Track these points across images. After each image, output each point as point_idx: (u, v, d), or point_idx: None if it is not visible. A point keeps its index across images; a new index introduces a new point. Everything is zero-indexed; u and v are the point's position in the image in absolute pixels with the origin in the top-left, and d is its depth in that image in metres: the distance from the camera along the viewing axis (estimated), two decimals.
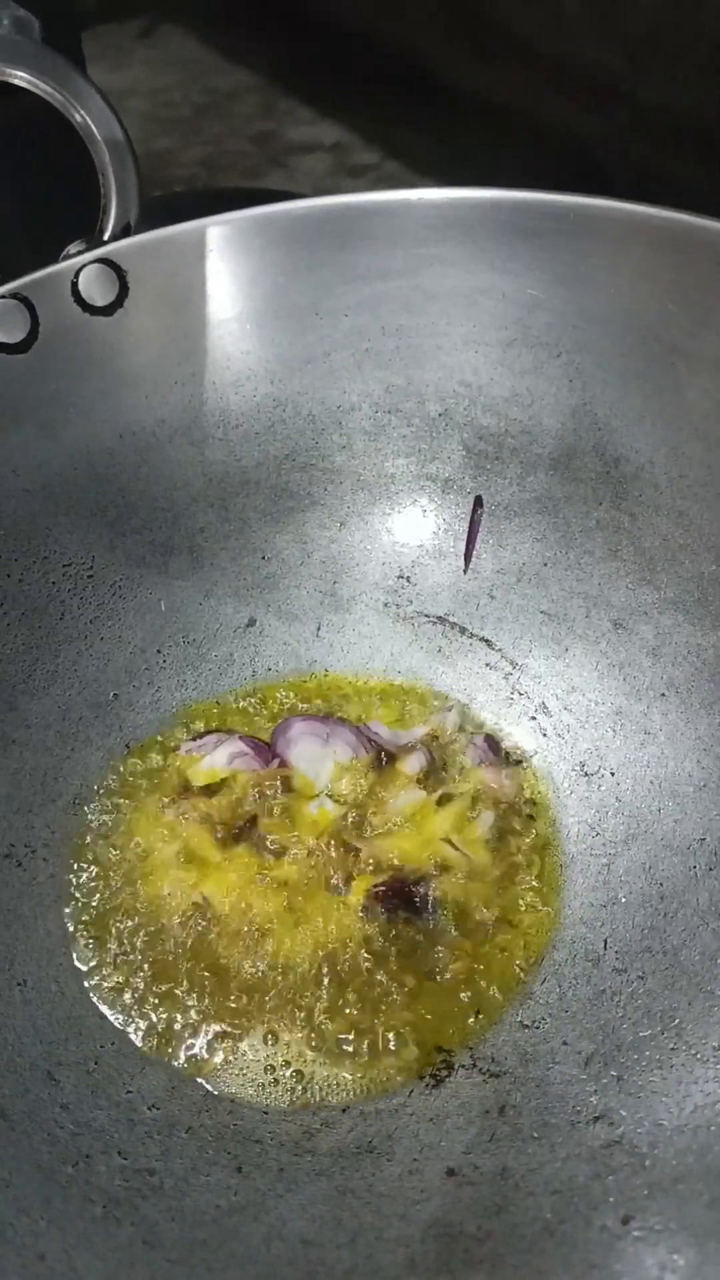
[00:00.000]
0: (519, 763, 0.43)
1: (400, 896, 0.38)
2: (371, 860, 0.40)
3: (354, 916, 0.38)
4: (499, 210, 0.42)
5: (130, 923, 0.39)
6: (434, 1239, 0.29)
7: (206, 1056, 0.36)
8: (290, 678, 0.46)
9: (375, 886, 0.39)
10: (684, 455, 0.41)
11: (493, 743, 0.43)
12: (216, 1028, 0.36)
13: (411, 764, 0.42)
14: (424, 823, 0.41)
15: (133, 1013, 0.37)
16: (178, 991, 0.37)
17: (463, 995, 0.37)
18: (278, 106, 0.98)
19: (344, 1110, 0.34)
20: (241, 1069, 0.36)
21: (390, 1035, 0.36)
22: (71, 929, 0.39)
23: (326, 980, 0.37)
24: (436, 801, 0.41)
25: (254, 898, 0.39)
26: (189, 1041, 0.36)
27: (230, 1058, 0.36)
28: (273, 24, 1.07)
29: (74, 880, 0.40)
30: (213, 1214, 0.30)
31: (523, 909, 0.39)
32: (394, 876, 0.39)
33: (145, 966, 0.38)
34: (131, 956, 0.38)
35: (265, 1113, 0.34)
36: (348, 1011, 0.36)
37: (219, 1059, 0.36)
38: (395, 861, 0.40)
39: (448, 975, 0.37)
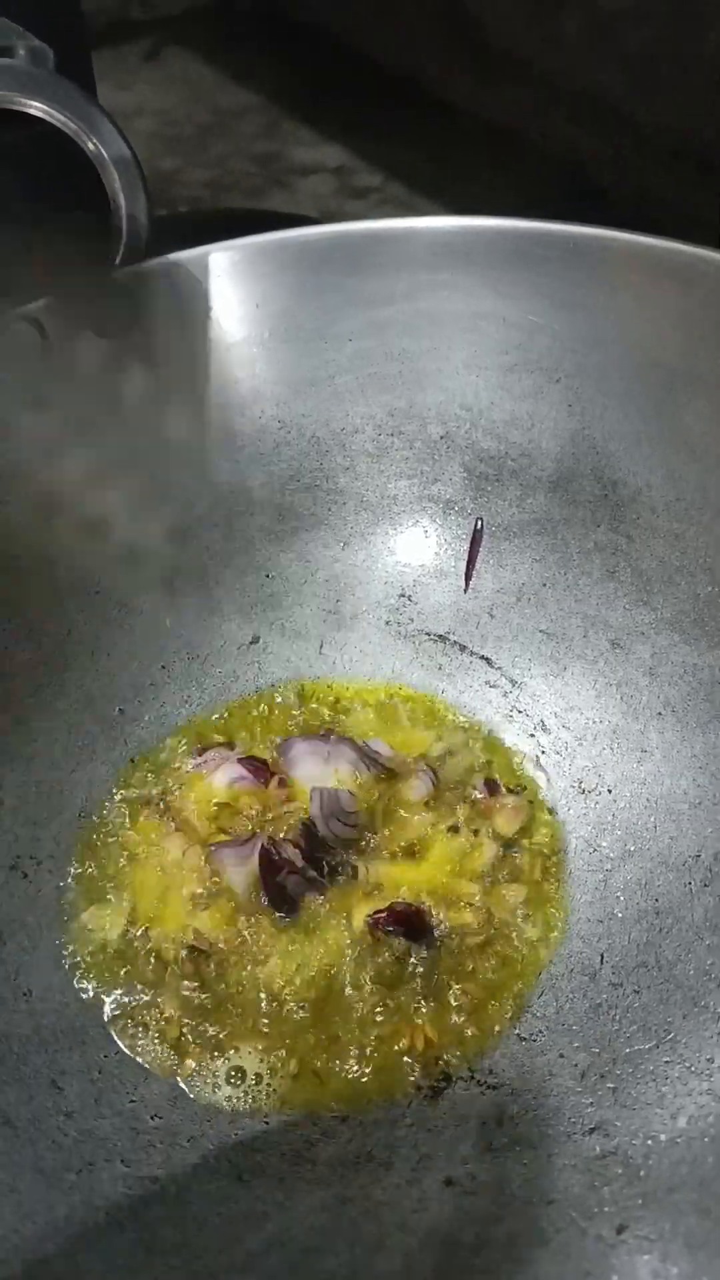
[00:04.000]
0: (519, 791, 0.43)
1: (401, 921, 0.38)
2: (373, 884, 0.40)
3: (355, 938, 0.39)
4: (502, 238, 0.42)
5: (133, 936, 0.39)
6: (432, 1248, 0.30)
7: (208, 1067, 0.36)
8: (293, 694, 0.47)
9: (377, 912, 0.39)
10: (681, 478, 0.42)
11: (492, 785, 0.43)
12: (219, 1040, 0.37)
13: (417, 789, 0.42)
14: (427, 848, 0.41)
15: (135, 1024, 0.37)
16: (179, 1004, 0.37)
17: (461, 1010, 0.37)
18: (282, 127, 0.99)
19: (344, 1120, 0.35)
20: (242, 1080, 0.36)
21: (389, 1048, 0.36)
22: (76, 941, 0.39)
23: (327, 997, 0.37)
24: (440, 828, 0.42)
25: (255, 915, 0.39)
26: (191, 1052, 0.37)
27: (231, 1069, 0.36)
28: (277, 46, 1.08)
29: (78, 892, 0.41)
30: (214, 1222, 0.31)
31: (521, 925, 0.39)
32: (395, 901, 0.39)
33: (147, 978, 0.38)
34: (134, 969, 0.38)
35: (266, 1122, 0.35)
36: (348, 1026, 0.37)
37: (220, 1070, 0.36)
38: (397, 885, 0.40)
39: (446, 993, 0.38)
